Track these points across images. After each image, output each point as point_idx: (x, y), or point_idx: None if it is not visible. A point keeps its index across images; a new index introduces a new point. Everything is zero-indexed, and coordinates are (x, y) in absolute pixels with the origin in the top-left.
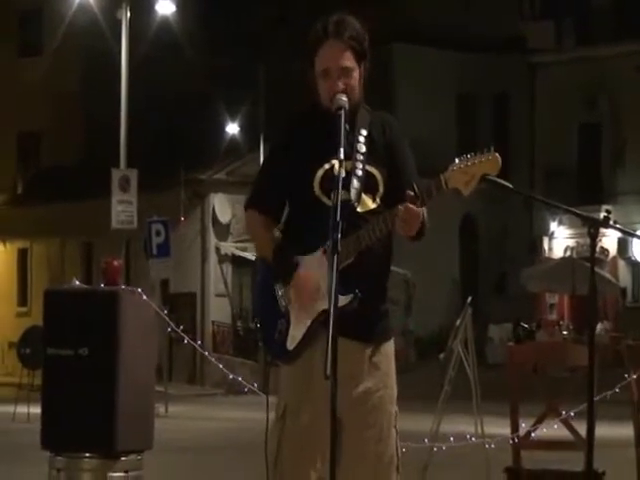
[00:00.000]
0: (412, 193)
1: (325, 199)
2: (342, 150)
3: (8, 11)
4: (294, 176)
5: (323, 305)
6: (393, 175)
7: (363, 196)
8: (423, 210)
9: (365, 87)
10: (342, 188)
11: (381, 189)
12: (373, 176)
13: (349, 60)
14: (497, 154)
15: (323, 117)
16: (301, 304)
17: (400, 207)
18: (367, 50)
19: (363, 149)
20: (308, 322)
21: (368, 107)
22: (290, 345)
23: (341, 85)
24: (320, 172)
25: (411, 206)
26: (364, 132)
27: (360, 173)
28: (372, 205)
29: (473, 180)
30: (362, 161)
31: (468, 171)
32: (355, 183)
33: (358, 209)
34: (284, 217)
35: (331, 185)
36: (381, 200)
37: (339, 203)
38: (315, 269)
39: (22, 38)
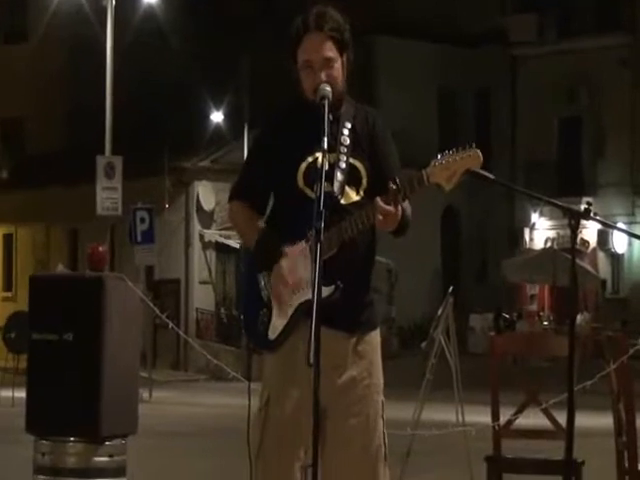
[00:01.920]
0: (394, 187)
1: (309, 191)
2: (325, 140)
3: None
4: (278, 169)
5: (306, 295)
6: (376, 168)
7: (346, 189)
8: (405, 205)
9: (351, 79)
10: (325, 180)
11: (364, 182)
12: (356, 169)
13: (331, 51)
14: (478, 150)
15: (307, 109)
16: (281, 294)
17: (378, 204)
18: (349, 41)
19: (347, 142)
20: (290, 312)
21: (352, 100)
22: (272, 335)
23: (323, 76)
24: (304, 165)
25: (386, 207)
26: (348, 125)
27: (344, 166)
28: (355, 197)
29: (455, 176)
30: (346, 154)
31: (450, 167)
32: (339, 176)
33: (341, 201)
34: (269, 209)
35: (314, 177)
36: (364, 193)
37: (322, 195)
38: (298, 259)
39: (7, 25)
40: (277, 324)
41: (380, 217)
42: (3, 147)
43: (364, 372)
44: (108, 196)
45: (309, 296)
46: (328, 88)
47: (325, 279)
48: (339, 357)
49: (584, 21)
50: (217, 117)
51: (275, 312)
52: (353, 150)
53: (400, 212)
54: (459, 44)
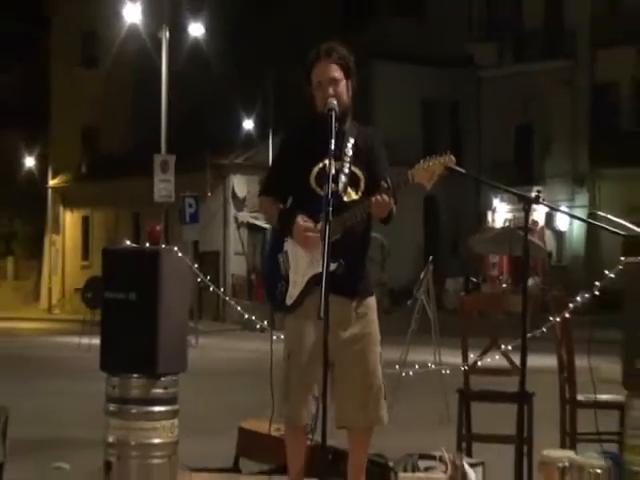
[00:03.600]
0: (385, 185)
1: (319, 190)
2: (333, 142)
3: (73, 32)
4: (295, 172)
5: (316, 270)
6: (372, 175)
7: (348, 189)
8: (392, 202)
9: (354, 101)
10: (332, 182)
11: (362, 185)
12: (356, 175)
13: (337, 72)
14: (452, 156)
15: (319, 123)
16: (308, 239)
17: (372, 199)
18: (353, 70)
19: (350, 153)
20: (303, 284)
21: (357, 123)
22: (289, 301)
23: (331, 90)
24: (315, 169)
25: (380, 199)
26: (352, 140)
27: (347, 171)
28: (355, 196)
29: (434, 177)
30: (349, 162)
31: (429, 169)
32: (343, 179)
33: (344, 199)
34: (288, 203)
35: (324, 180)
36: (362, 193)
37: (330, 193)
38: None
39: (84, 53)
40: (293, 293)
41: (376, 209)
42: (83, 148)
43: (365, 329)
44: (163, 187)
45: (319, 270)
46: (334, 101)
47: (331, 257)
48: (343, 317)
49: (534, 49)
50: (248, 124)
51: (291, 283)
52: (354, 160)
53: (390, 206)
54: (437, 67)
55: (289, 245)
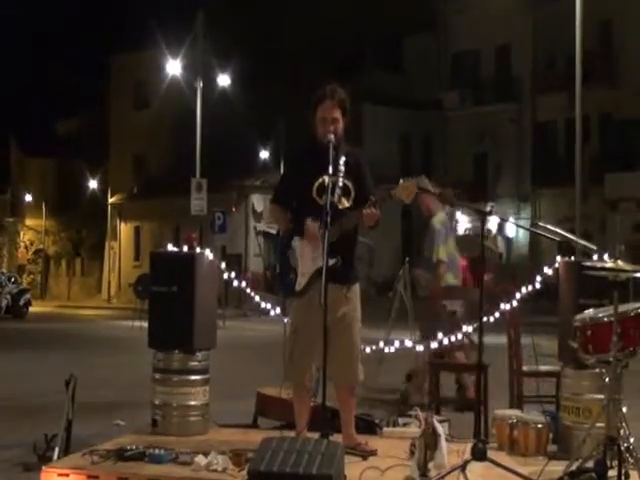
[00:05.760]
0: (373, 199)
1: (319, 200)
2: (331, 167)
3: (127, 82)
4: (300, 185)
5: (319, 264)
6: (360, 187)
7: (342, 199)
8: (378, 213)
9: (346, 131)
10: (330, 193)
11: (353, 195)
12: (348, 187)
13: (337, 113)
14: (425, 178)
15: (319, 148)
16: (312, 240)
17: (363, 211)
18: (348, 109)
19: (343, 169)
20: (308, 275)
21: (347, 145)
22: (298, 288)
23: (332, 128)
24: (316, 183)
25: (368, 211)
26: (343, 159)
27: (341, 184)
28: (347, 204)
29: (411, 194)
30: (342, 177)
31: (408, 188)
32: (337, 191)
33: (339, 207)
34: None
35: (323, 191)
36: (353, 201)
37: (329, 203)
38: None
39: (136, 98)
40: (301, 281)
41: (366, 219)
42: (134, 173)
43: (351, 309)
44: (198, 203)
45: (321, 265)
46: (332, 136)
47: (330, 255)
48: (337, 299)
49: (488, 94)
50: (264, 154)
51: (299, 274)
52: (346, 175)
53: (377, 216)
54: (413, 109)
55: (296, 243)
